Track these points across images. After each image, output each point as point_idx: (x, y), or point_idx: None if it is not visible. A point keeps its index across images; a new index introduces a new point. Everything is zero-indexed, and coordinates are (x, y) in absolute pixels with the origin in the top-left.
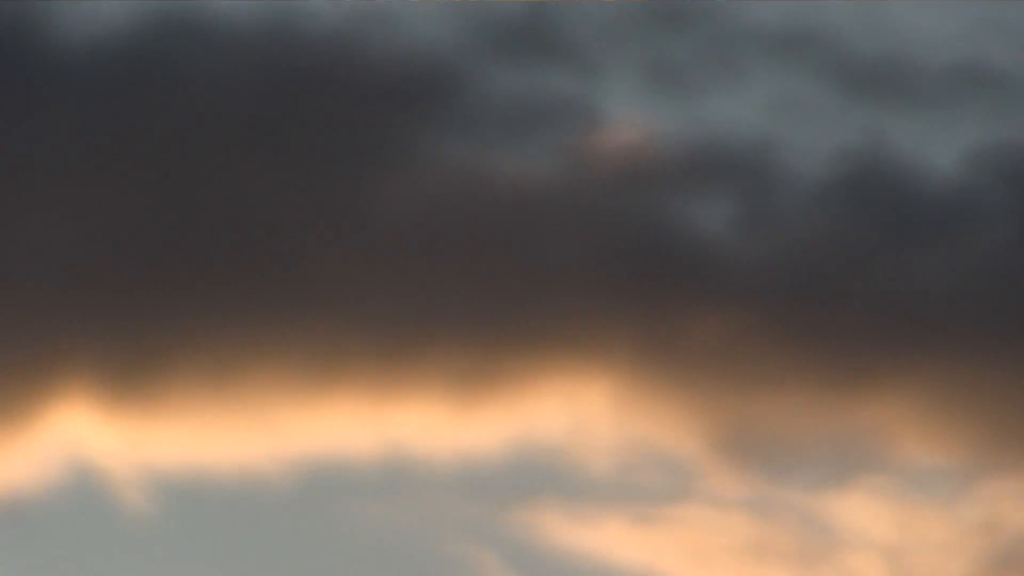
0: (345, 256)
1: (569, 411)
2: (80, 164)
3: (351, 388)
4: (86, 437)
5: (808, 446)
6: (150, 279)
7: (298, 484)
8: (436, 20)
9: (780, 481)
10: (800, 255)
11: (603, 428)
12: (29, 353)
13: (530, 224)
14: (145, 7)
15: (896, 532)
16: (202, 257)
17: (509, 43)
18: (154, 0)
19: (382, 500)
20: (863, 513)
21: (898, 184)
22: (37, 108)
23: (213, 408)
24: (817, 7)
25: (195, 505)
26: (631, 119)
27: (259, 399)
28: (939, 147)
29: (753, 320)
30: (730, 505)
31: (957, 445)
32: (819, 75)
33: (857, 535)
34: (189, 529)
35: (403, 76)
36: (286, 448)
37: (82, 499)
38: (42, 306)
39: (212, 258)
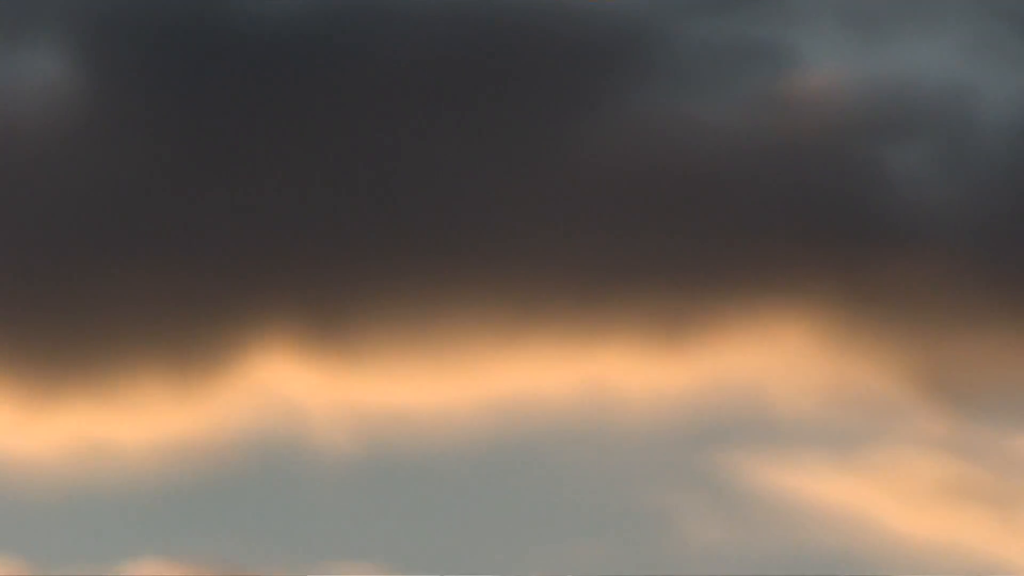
0: (545, 200)
1: (769, 353)
2: (276, 116)
3: (550, 330)
4: (287, 382)
5: (1010, 386)
6: (348, 226)
7: (496, 426)
8: None
9: (982, 420)
10: (999, 198)
11: (803, 370)
12: (229, 300)
13: (728, 170)
14: None
15: None
16: (401, 203)
17: None
18: None
19: (580, 442)
20: None
21: None
22: (223, 87)
23: (412, 351)
24: None
25: (395, 448)
26: (828, 65)
27: (458, 341)
28: None
29: (951, 263)
30: (931, 445)
31: None
32: (1016, 17)
33: None
34: (390, 471)
35: (599, 26)
36: (485, 390)
37: (284, 443)
38: (242, 253)
39: (411, 203)
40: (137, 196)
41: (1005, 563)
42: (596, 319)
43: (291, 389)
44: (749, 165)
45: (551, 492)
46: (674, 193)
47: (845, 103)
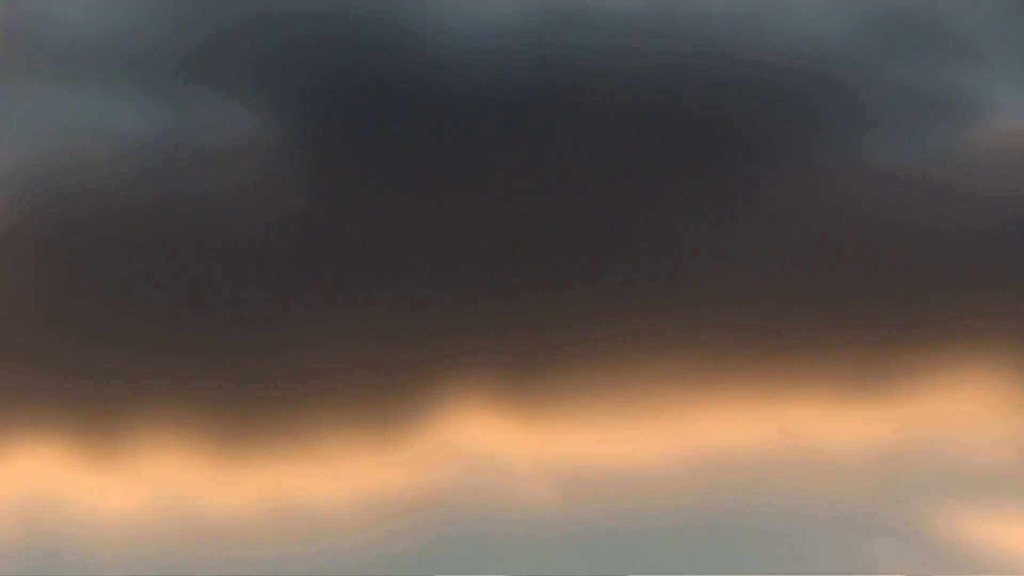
0: (742, 249)
1: (968, 401)
2: (474, 166)
3: (747, 380)
4: (484, 434)
5: None
6: (545, 273)
7: (695, 477)
8: (826, 13)
9: None
10: None
11: (1004, 418)
12: (425, 350)
13: (920, 217)
14: (524, 7)
15: None
16: (597, 248)
17: (898, 35)
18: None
19: (779, 493)
20: None
21: None
22: (424, 110)
23: (610, 402)
24: None
25: (597, 500)
26: (1018, 110)
27: (656, 392)
28: None
29: None
30: None
31: None
32: None
33: None
34: (594, 525)
35: (792, 70)
36: (683, 441)
37: (477, 492)
38: (437, 303)
39: (608, 250)
40: (334, 248)
41: None
42: (793, 368)
43: (488, 442)
44: (942, 212)
45: (750, 540)
46: (868, 240)
47: None
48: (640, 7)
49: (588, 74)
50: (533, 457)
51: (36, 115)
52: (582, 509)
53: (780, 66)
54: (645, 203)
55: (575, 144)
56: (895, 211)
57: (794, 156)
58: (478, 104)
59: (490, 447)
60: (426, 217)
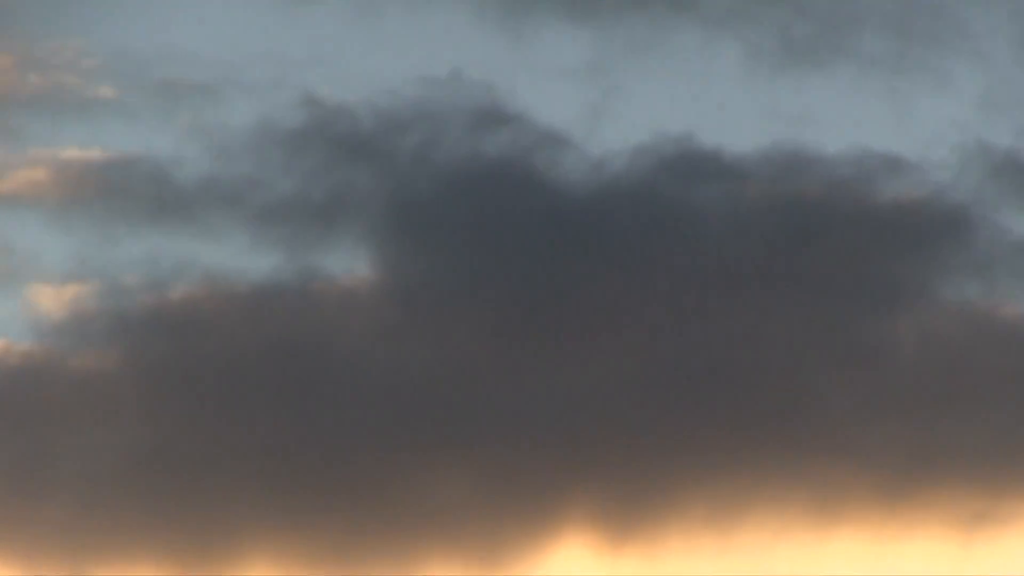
0: (850, 397)
1: None
2: (580, 315)
3: (852, 529)
4: None
5: None
6: (648, 422)
7: None
8: (946, 163)
9: None
10: None
11: None
12: (531, 499)
13: None
14: (652, 147)
15: None
16: (704, 399)
17: (1020, 187)
18: (661, 140)
19: None
20: None
21: None
22: (547, 248)
23: (710, 552)
24: None
25: None
26: None
27: (757, 542)
28: None
29: None
30: None
31: None
32: None
33: None
34: None
35: (914, 218)
36: None
37: None
38: (543, 454)
39: (712, 400)
40: (442, 393)
41: None
42: (899, 515)
43: None
44: None
45: None
46: (982, 388)
47: None
48: (758, 150)
49: (702, 215)
50: None
51: (161, 254)
52: None
53: (896, 213)
54: (750, 347)
55: (685, 285)
56: (1013, 358)
57: (908, 299)
58: (582, 246)
59: None
60: (534, 364)
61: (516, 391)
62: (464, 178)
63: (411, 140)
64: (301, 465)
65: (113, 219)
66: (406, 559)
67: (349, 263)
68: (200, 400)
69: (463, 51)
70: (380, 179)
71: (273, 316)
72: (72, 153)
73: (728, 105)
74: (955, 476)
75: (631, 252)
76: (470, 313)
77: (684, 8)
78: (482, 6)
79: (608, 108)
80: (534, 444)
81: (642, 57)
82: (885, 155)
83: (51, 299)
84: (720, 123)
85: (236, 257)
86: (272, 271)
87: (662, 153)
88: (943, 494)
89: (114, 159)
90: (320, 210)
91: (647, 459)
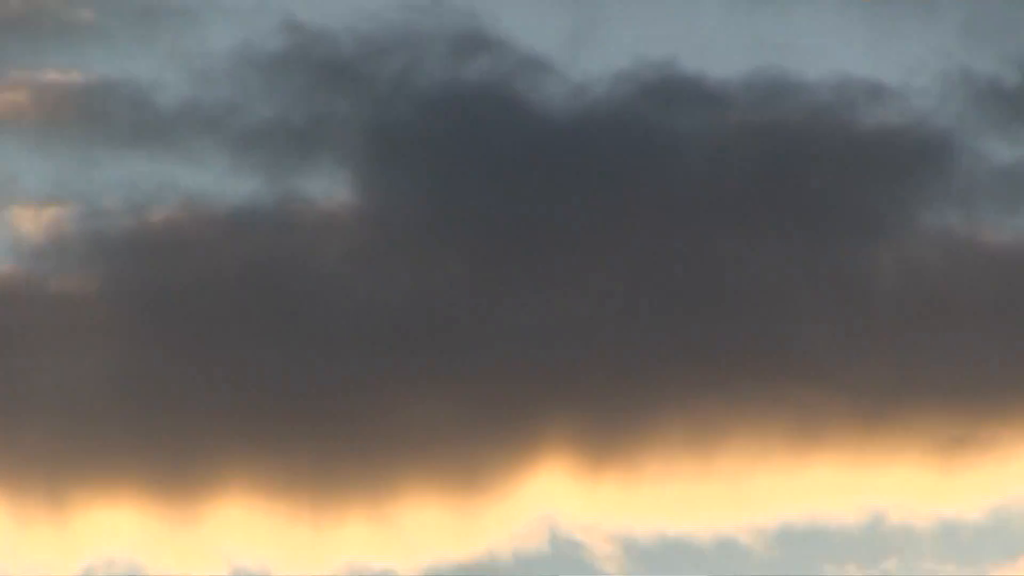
0: (831, 325)
1: None
2: (560, 240)
3: (831, 456)
4: (562, 504)
5: None
6: (627, 347)
7: (776, 551)
8: (928, 90)
9: None
10: None
11: None
12: (509, 424)
13: (1020, 293)
14: (634, 73)
15: None
16: (679, 326)
17: (1002, 115)
18: (642, 65)
19: (862, 565)
20: None
21: None
22: (528, 173)
23: (689, 477)
24: None
25: (671, 572)
26: None
27: (736, 467)
28: None
29: None
30: None
31: None
32: None
33: None
34: None
35: (895, 144)
36: (764, 516)
37: (557, 564)
38: (521, 380)
39: (692, 326)
40: (419, 318)
41: None
42: (878, 444)
43: (568, 515)
44: None
45: None
46: (963, 316)
47: None
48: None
49: (683, 142)
50: (606, 527)
51: (140, 178)
52: (649, 573)
53: (879, 144)
54: (730, 274)
55: (666, 211)
56: (991, 286)
57: (889, 229)
58: (563, 172)
59: (568, 520)
60: (513, 288)
61: (495, 315)
62: (445, 103)
63: (392, 65)
64: (278, 390)
65: (93, 142)
66: (384, 484)
67: (329, 187)
68: (178, 323)
69: None
70: (361, 103)
71: (253, 239)
72: (52, 76)
73: (710, 31)
74: (934, 401)
75: (611, 178)
76: (449, 238)
77: None
78: None
79: (590, 34)
80: (513, 369)
81: None
82: (867, 82)
83: (30, 222)
84: (702, 49)
85: (216, 181)
86: (252, 195)
87: (644, 79)
88: (922, 419)
89: (94, 82)
90: (300, 134)
91: (626, 384)
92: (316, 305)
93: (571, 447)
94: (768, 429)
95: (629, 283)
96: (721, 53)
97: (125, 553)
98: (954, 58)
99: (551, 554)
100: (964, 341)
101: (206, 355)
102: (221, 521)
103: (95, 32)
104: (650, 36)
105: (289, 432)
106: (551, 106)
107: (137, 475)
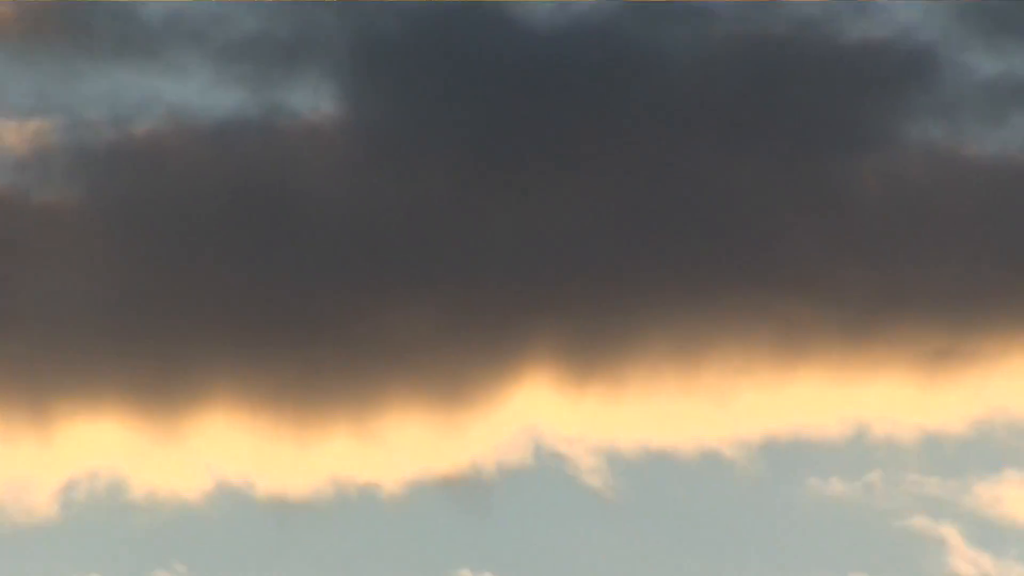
0: (814, 237)
1: None
2: (541, 151)
3: (815, 368)
4: (546, 417)
5: None
6: (612, 260)
7: (760, 464)
8: (912, 3)
9: None
10: None
11: None
12: (494, 337)
13: (1004, 206)
14: None
15: None
16: (666, 238)
17: (986, 28)
18: None
19: (846, 478)
20: None
21: None
22: (513, 87)
23: (673, 390)
24: None
25: (653, 484)
26: None
27: (721, 380)
28: None
29: None
30: None
31: None
32: None
33: None
34: (649, 508)
35: (880, 58)
36: (748, 430)
37: (541, 477)
38: (506, 293)
39: (677, 239)
40: (403, 231)
41: None
42: (863, 356)
43: (552, 429)
44: (1021, 203)
45: (813, 526)
46: (947, 229)
47: None
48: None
49: (669, 58)
50: (590, 439)
51: (124, 91)
52: (630, 488)
53: (863, 57)
54: (714, 187)
55: (650, 125)
56: (976, 198)
57: (872, 141)
58: (547, 85)
59: (551, 428)
60: (498, 202)
61: (480, 229)
62: (430, 15)
63: None
64: (263, 303)
65: (76, 55)
66: (368, 398)
67: (314, 100)
68: (162, 236)
69: None
70: (346, 16)
71: (237, 153)
72: None
73: None
74: (919, 315)
75: (596, 91)
76: (434, 151)
77: None
78: None
79: None
80: (497, 282)
81: None
82: None
83: (13, 135)
84: None
85: (200, 93)
86: (236, 108)
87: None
88: (907, 332)
89: None
90: (285, 47)
91: (611, 297)
92: (300, 218)
93: (555, 360)
94: (752, 343)
95: (614, 196)
96: None
97: (108, 467)
98: None
99: (535, 467)
100: (948, 254)
101: (190, 268)
102: (204, 435)
103: None
104: None
105: (273, 346)
106: (536, 19)
107: (120, 389)
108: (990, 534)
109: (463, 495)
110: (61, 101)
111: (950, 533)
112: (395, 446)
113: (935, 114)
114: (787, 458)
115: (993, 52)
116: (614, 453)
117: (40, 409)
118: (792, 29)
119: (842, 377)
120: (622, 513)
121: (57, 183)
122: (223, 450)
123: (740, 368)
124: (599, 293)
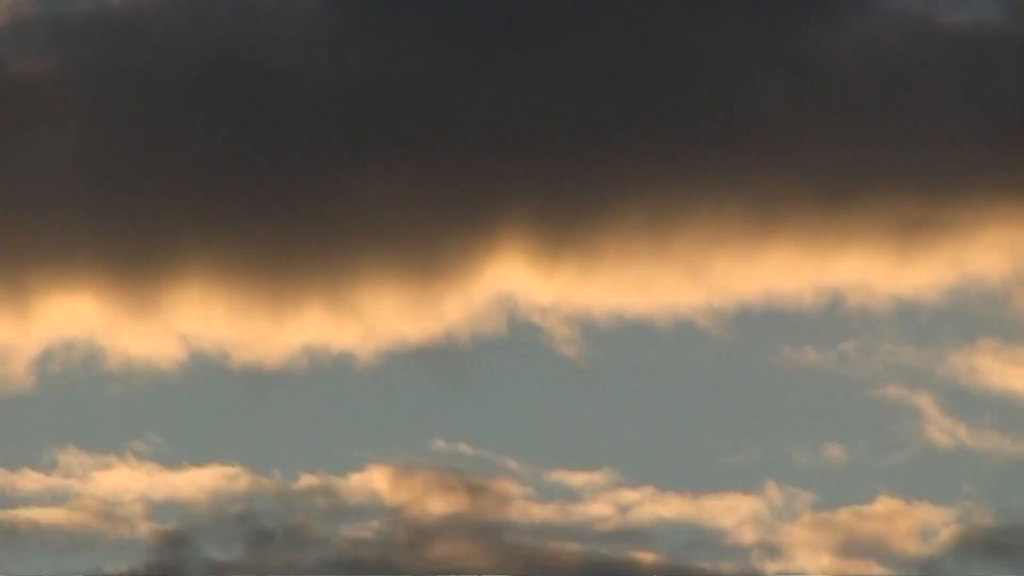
0: (788, 105)
1: (1008, 258)
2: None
3: (789, 237)
4: (521, 287)
5: None
6: (586, 129)
7: (734, 333)
8: None
9: None
10: None
11: None
12: (468, 209)
13: (976, 74)
14: None
15: None
16: (640, 109)
17: None
18: None
19: (820, 347)
20: None
21: None
22: None
23: (647, 259)
24: None
25: (627, 353)
26: None
27: (694, 249)
28: None
29: None
30: None
31: None
32: None
33: None
34: (621, 376)
35: None
36: (721, 297)
37: (515, 347)
38: (479, 165)
39: (651, 110)
40: (376, 102)
41: None
42: (836, 225)
43: (526, 299)
44: (996, 72)
45: (787, 394)
46: (921, 97)
47: None
48: None
49: None
50: (564, 308)
51: None
52: (603, 357)
53: None
54: (689, 56)
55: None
56: (948, 70)
57: (845, 13)
58: None
59: (527, 301)
60: (472, 71)
61: (453, 99)
62: None
63: None
64: (238, 173)
65: None
66: (342, 269)
67: None
68: (137, 107)
69: None
70: None
71: (213, 22)
72: None
73: None
74: (892, 184)
75: None
76: (409, 20)
77: None
78: None
79: None
80: (471, 152)
81: None
82: None
83: None
84: None
85: None
86: None
87: None
88: (881, 202)
89: None
90: None
91: (584, 167)
92: (275, 89)
93: (530, 231)
94: (726, 212)
95: (588, 67)
96: None
97: (84, 337)
98: None
99: (509, 337)
100: (922, 124)
101: (165, 139)
102: (179, 306)
103: None
104: None
105: (248, 218)
106: None
107: (96, 259)
108: (965, 403)
109: (438, 364)
110: None
111: (925, 402)
112: (370, 316)
113: None
114: (761, 327)
115: None
116: (588, 322)
117: (16, 281)
118: None
119: (816, 246)
120: (596, 382)
121: (33, 53)
122: (198, 320)
123: (714, 237)
124: (573, 164)
